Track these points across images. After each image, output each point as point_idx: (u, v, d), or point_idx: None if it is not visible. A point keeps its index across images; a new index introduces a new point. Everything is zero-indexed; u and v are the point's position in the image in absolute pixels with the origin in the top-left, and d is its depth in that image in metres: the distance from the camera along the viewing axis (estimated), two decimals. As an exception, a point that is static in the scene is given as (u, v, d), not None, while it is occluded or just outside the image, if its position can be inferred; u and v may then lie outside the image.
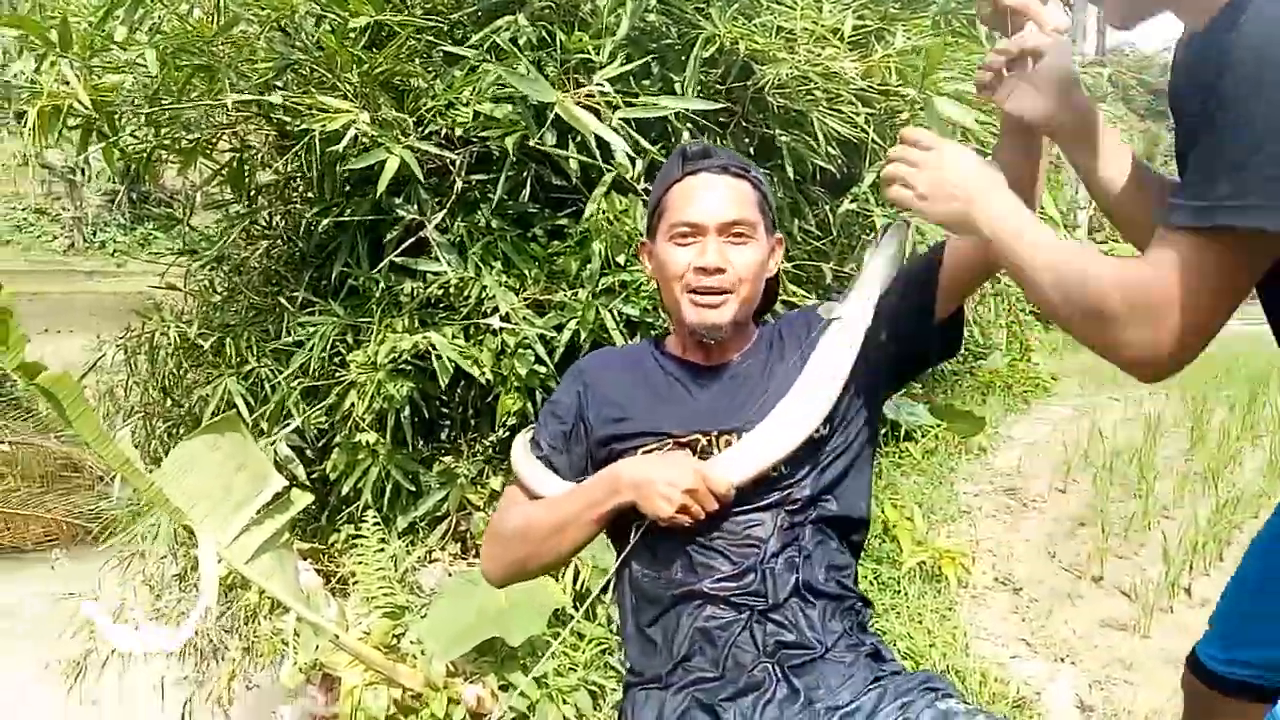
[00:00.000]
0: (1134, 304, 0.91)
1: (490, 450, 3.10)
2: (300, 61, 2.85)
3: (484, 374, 2.86)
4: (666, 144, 2.85)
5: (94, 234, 12.52)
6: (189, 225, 4.30)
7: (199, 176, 3.86)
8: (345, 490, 3.09)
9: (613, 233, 2.80)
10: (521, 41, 2.83)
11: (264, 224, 3.81)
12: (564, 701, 2.39)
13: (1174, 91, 1.05)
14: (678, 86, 2.85)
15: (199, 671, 3.39)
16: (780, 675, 1.24)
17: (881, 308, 1.29)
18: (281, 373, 3.16)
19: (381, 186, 2.66)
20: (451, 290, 2.95)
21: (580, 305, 2.86)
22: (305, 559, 2.99)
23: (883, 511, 3.48)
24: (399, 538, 3.09)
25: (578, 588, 2.71)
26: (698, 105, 2.77)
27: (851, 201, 3.24)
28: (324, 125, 2.58)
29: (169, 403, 3.82)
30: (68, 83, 2.78)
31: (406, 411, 3.01)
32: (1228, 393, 5.95)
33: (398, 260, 2.97)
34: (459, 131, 2.81)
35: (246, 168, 3.57)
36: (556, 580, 2.70)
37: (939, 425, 4.70)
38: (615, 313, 2.84)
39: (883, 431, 4.52)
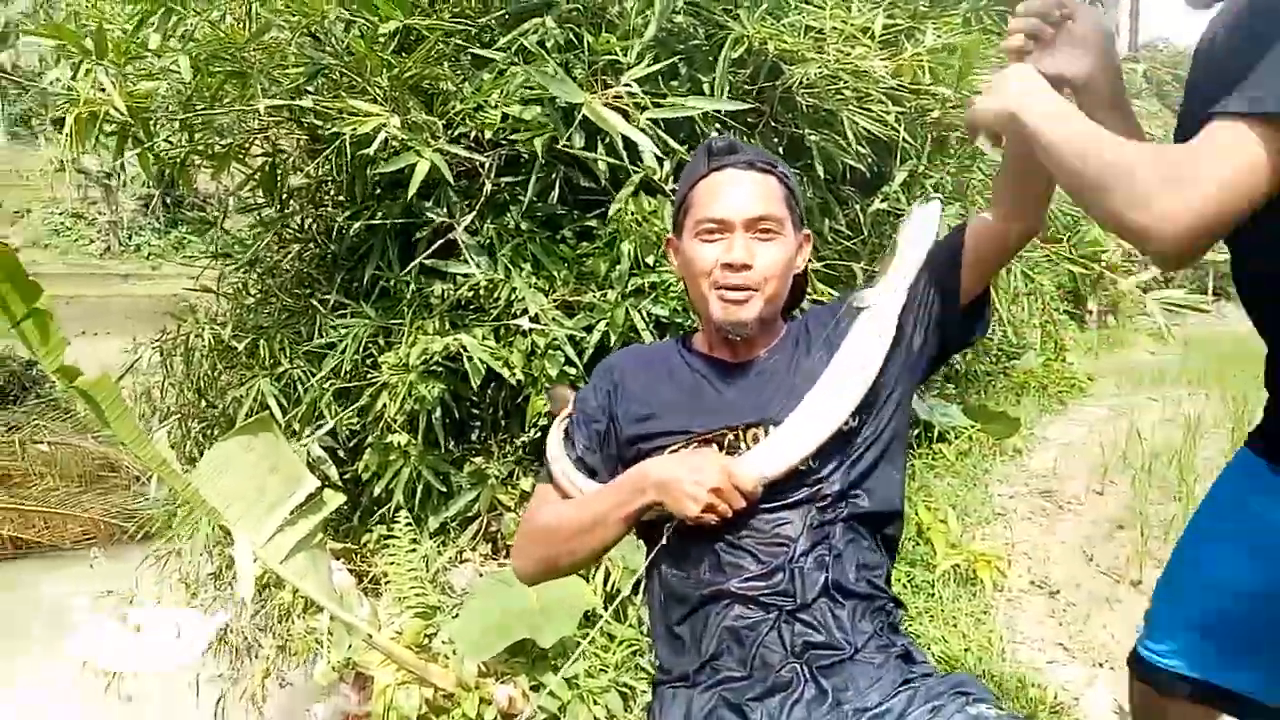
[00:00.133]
0: (1166, 175, 0.95)
1: (521, 451, 3.11)
2: (331, 66, 2.88)
3: (514, 375, 2.87)
4: (694, 145, 2.83)
5: (129, 238, 12.72)
6: (222, 229, 4.36)
7: (232, 181, 3.91)
8: (377, 491, 3.11)
9: (642, 234, 2.80)
10: (549, 44, 2.84)
11: (296, 227, 3.85)
12: (595, 703, 2.39)
13: (1216, 41, 1.10)
14: (706, 87, 2.84)
15: (233, 669, 3.43)
16: (808, 676, 1.22)
17: (908, 294, 1.29)
18: (314, 374, 3.19)
19: (412, 190, 2.68)
20: (481, 292, 2.96)
21: (609, 306, 2.86)
22: (338, 559, 3.02)
23: (916, 514, 3.45)
24: (430, 538, 3.10)
25: (608, 589, 2.71)
26: (726, 106, 2.77)
27: (882, 200, 3.22)
28: (354, 129, 2.60)
29: (203, 404, 3.88)
30: (104, 89, 2.83)
31: (438, 412, 3.02)
32: (1269, 393, 5.82)
33: (428, 262, 2.99)
34: (488, 134, 2.83)
35: (278, 172, 3.61)
36: (588, 581, 2.70)
37: (973, 426, 4.66)
38: (644, 313, 2.84)
39: (916, 433, 4.48)
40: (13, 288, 1.58)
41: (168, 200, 12.14)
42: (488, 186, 2.93)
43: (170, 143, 3.33)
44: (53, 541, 6.30)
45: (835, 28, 2.88)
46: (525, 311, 2.88)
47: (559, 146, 2.77)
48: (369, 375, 3.06)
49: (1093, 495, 4.09)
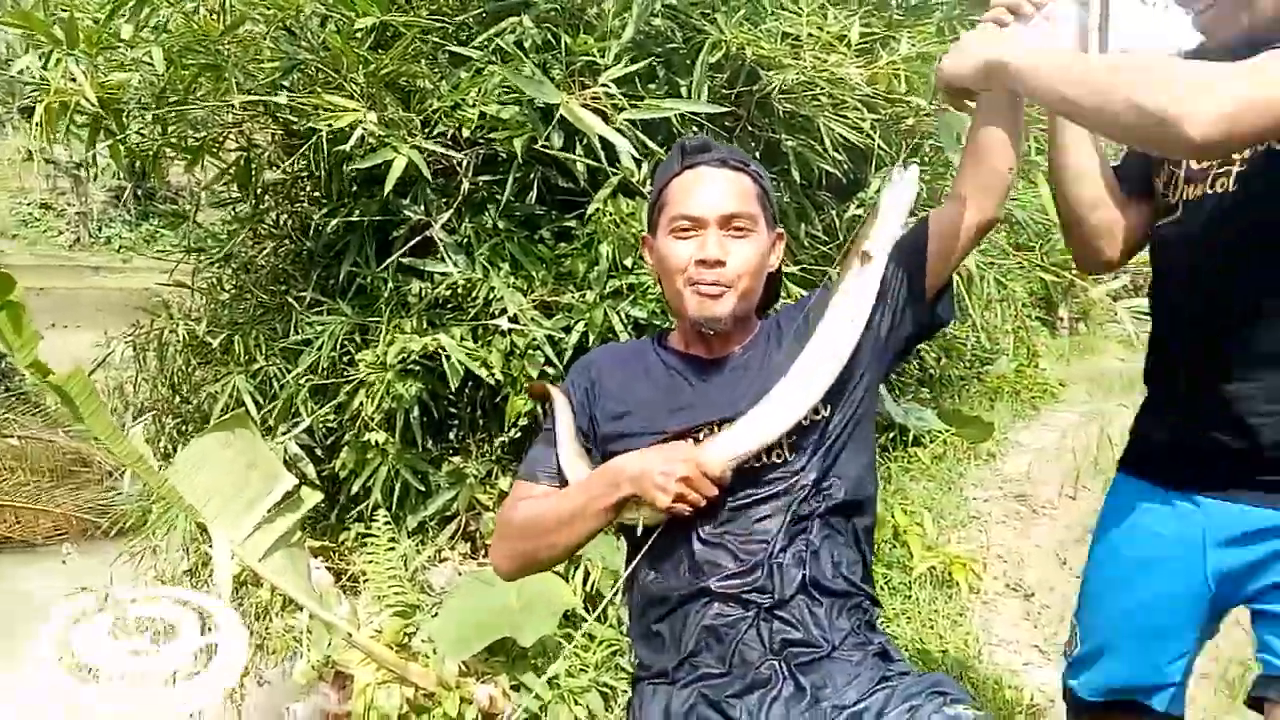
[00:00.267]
0: (1195, 82, 0.99)
1: (500, 450, 3.10)
2: (306, 61, 2.86)
3: (493, 375, 2.86)
4: (672, 147, 2.85)
5: (99, 230, 12.50)
6: (196, 223, 4.31)
7: (205, 175, 3.86)
8: (355, 489, 3.09)
9: (620, 235, 2.80)
10: (527, 44, 2.83)
11: (271, 223, 3.82)
12: (575, 703, 2.39)
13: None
14: (684, 90, 2.85)
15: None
16: (787, 673, 1.24)
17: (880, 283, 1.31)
18: (290, 371, 3.16)
19: (389, 186, 2.67)
20: (460, 291, 2.95)
21: (588, 307, 2.86)
22: (316, 557, 3.00)
23: (893, 516, 3.48)
24: (409, 537, 3.09)
25: (588, 589, 2.71)
26: (703, 108, 2.77)
27: (858, 206, 3.24)
28: (330, 124, 2.59)
29: (178, 400, 3.84)
30: (75, 80, 2.79)
31: (416, 411, 3.01)
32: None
33: (405, 260, 2.98)
34: (465, 132, 2.81)
35: (253, 167, 3.57)
36: (567, 581, 2.70)
37: (948, 430, 4.69)
38: (623, 315, 2.84)
39: (891, 436, 4.51)
40: (-16, 280, 1.56)
41: (139, 193, 11.96)
42: (465, 185, 2.92)
43: (142, 135, 3.29)
44: (24, 536, 6.19)
45: (812, 35, 2.89)
46: (504, 311, 2.88)
47: (538, 147, 2.77)
48: (346, 373, 3.04)
49: (1065, 499, 4.15)
